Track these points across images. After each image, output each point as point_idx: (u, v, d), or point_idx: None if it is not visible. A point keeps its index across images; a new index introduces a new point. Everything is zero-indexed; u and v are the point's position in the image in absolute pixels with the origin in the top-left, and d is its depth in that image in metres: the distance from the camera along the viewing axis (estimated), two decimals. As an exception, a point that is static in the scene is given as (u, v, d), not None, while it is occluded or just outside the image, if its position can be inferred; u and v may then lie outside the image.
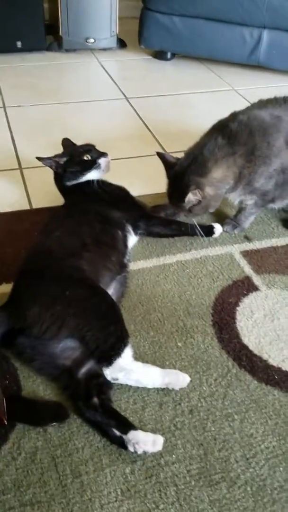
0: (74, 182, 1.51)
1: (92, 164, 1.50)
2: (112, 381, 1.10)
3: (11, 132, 2.14)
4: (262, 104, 1.55)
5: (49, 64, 2.84)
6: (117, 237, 1.37)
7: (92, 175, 1.51)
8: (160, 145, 2.11)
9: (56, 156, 1.54)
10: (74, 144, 1.63)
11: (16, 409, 1.06)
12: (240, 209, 1.60)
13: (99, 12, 2.86)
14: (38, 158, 1.51)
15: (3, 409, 1.03)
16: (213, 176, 1.41)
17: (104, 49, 3.02)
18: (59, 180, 1.54)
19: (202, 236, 1.53)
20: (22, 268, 1.25)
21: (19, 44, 2.86)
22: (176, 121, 2.26)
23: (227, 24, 2.63)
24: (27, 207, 1.71)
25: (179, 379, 1.12)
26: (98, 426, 1.04)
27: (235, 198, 1.54)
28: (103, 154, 1.54)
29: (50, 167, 1.52)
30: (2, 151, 2.02)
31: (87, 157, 1.51)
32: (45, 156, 1.53)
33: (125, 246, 1.41)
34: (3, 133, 2.14)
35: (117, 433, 1.02)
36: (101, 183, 1.51)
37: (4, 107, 2.35)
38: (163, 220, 1.54)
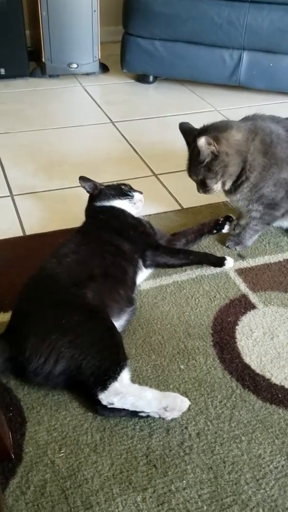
0: (104, 203, 1.55)
1: (126, 193, 1.58)
2: (108, 406, 1.08)
3: (0, 159, 2.14)
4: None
5: (33, 90, 2.87)
6: (128, 272, 1.36)
7: (121, 203, 1.55)
8: (149, 167, 2.13)
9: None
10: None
11: None
12: (245, 227, 1.63)
13: (81, 37, 2.91)
14: (81, 178, 1.57)
15: (10, 442, 1.02)
16: (231, 134, 1.44)
17: (87, 74, 3.06)
18: (91, 200, 1.58)
19: (212, 265, 1.54)
20: (25, 291, 1.24)
21: (2, 71, 2.90)
22: (162, 143, 2.29)
23: (207, 47, 2.70)
24: (20, 234, 1.70)
25: (177, 403, 1.09)
26: (124, 415, 1.10)
27: (242, 202, 1.55)
28: (139, 191, 1.62)
29: (88, 189, 1.58)
30: (-9, 178, 2.02)
31: (123, 187, 1.60)
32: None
33: (133, 283, 1.39)
34: (-9, 161, 2.14)
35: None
36: (120, 211, 1.53)
37: (-9, 134, 2.36)
38: (170, 250, 1.53)
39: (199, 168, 1.47)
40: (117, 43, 2.90)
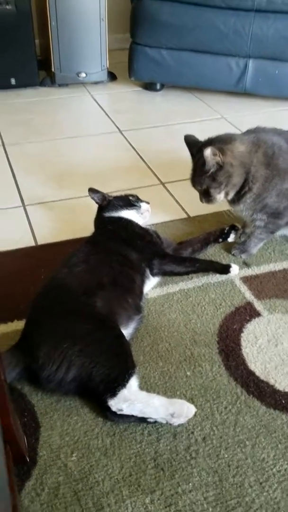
0: (112, 214, 1.59)
1: (133, 204, 1.63)
2: (117, 412, 1.13)
3: (12, 169, 2.21)
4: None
5: (43, 100, 2.93)
6: (135, 281, 1.41)
7: (129, 213, 1.60)
8: (156, 176, 2.18)
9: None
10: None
11: None
12: (250, 235, 1.68)
13: (89, 47, 2.97)
14: (91, 189, 1.62)
15: (25, 446, 1.07)
16: (235, 146, 1.50)
17: (96, 83, 3.12)
18: (100, 211, 1.63)
19: (218, 272, 1.58)
20: (38, 300, 1.30)
21: (13, 81, 2.96)
22: (170, 151, 2.34)
23: (213, 55, 2.74)
24: (32, 244, 1.76)
25: (184, 409, 1.14)
26: (133, 421, 1.14)
27: (246, 212, 1.61)
28: (146, 201, 1.67)
29: (97, 200, 1.63)
30: (4, 189, 2.08)
31: (131, 198, 1.65)
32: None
33: (141, 291, 1.44)
34: (4, 171, 2.20)
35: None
36: (128, 222, 1.58)
37: (3, 145, 2.42)
38: (177, 258, 1.57)
39: (204, 178, 1.52)
40: (125, 50, 2.95)
